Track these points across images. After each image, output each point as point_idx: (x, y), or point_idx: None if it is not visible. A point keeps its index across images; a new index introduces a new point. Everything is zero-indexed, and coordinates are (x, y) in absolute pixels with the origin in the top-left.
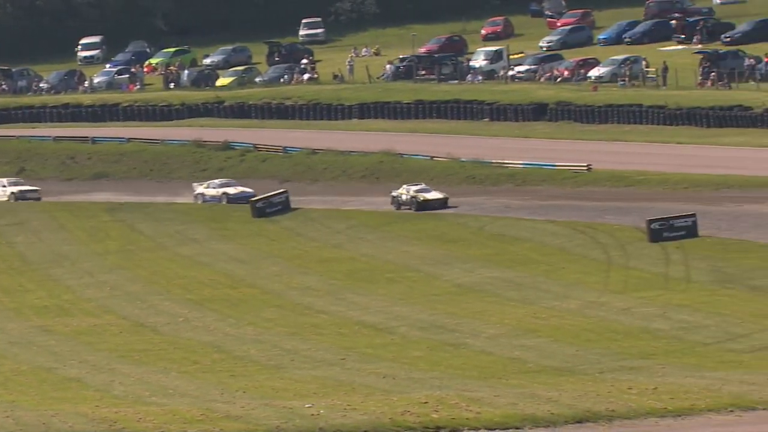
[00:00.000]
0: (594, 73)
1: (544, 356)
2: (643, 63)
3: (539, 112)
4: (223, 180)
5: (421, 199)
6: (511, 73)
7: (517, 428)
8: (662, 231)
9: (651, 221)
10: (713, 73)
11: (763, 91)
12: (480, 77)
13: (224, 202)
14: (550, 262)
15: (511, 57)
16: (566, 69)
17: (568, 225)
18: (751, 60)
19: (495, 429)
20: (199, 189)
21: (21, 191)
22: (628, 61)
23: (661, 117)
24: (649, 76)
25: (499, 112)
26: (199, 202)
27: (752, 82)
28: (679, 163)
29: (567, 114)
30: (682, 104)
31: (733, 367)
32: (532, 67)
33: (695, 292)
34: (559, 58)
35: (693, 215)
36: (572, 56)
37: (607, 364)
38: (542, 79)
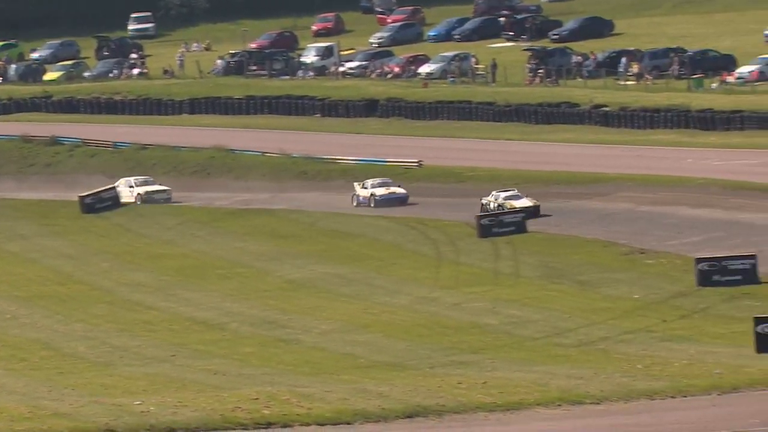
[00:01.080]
0: (424, 69)
1: (376, 351)
2: (473, 60)
3: (370, 108)
4: (381, 179)
5: (508, 207)
6: (342, 69)
7: (348, 423)
8: (492, 227)
9: (481, 217)
10: (541, 70)
11: (590, 88)
12: (311, 73)
13: (372, 206)
14: (382, 257)
15: (342, 53)
16: (396, 65)
17: (399, 221)
18: (578, 57)
19: (326, 424)
20: (358, 190)
21: (148, 192)
22: (457, 58)
23: (490, 113)
24: (478, 72)
25: (330, 108)
26: (354, 204)
27: (579, 79)
28: (509, 159)
29: (398, 110)
30: (511, 101)
31: (560, 362)
32: (363, 63)
33: (524, 287)
34: (390, 54)
35: (521, 211)
36: (402, 53)
37: (437, 359)
38: (373, 75)
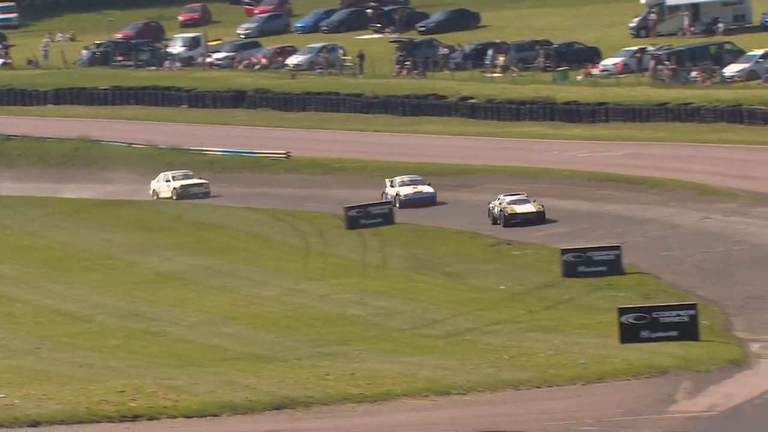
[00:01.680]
0: (292, 60)
1: (244, 343)
2: (340, 51)
3: (238, 99)
4: (410, 177)
5: (509, 212)
6: (209, 60)
7: (215, 416)
8: (359, 218)
9: (348, 208)
10: (408, 62)
11: (457, 80)
12: (178, 64)
13: (397, 206)
14: (250, 249)
15: (209, 44)
16: (264, 57)
17: (267, 212)
18: (445, 49)
19: (193, 417)
20: (387, 188)
21: (184, 186)
22: (325, 49)
23: (358, 105)
24: (346, 64)
25: (197, 99)
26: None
27: (446, 71)
28: (377, 151)
29: (266, 101)
30: (379, 92)
31: (428, 353)
32: (230, 54)
33: (392, 279)
34: (257, 45)
35: (389, 202)
36: (270, 44)
37: (305, 350)
38: (240, 67)
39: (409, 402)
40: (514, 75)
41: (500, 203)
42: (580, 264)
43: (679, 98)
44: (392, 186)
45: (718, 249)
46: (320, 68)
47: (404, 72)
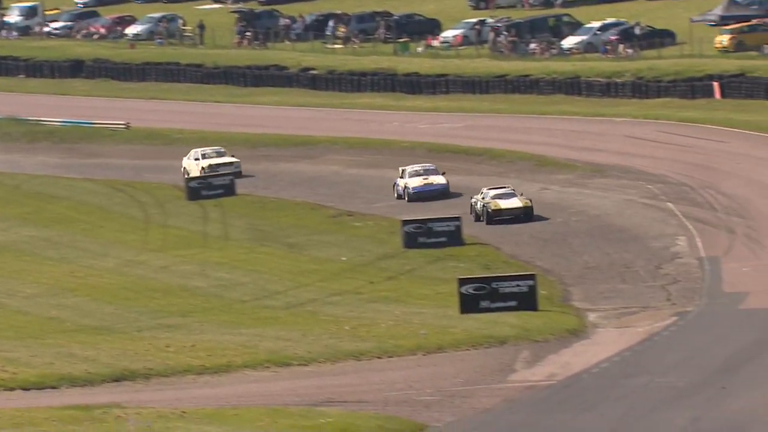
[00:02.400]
0: (131, 30)
1: (82, 315)
2: (180, 21)
3: (76, 69)
4: (421, 166)
5: (492, 208)
6: (46, 29)
7: (53, 388)
8: (200, 189)
9: (189, 179)
10: (249, 33)
11: (298, 51)
12: (15, 33)
13: (406, 200)
14: (89, 220)
15: (47, 13)
16: (103, 26)
17: (106, 183)
18: (286, 20)
19: (31, 389)
20: (398, 179)
21: (212, 166)
22: (164, 20)
23: (198, 76)
24: (186, 34)
25: (35, 69)
26: (395, 196)
27: (287, 42)
28: (217, 122)
29: (105, 71)
30: (219, 63)
31: (269, 324)
32: (68, 23)
33: (233, 250)
34: (96, 15)
35: (230, 174)
36: (108, 13)
37: (145, 322)
38: (79, 36)
39: (250, 373)
40: (355, 46)
41: (483, 197)
42: (421, 235)
43: (518, 70)
44: (402, 176)
45: (557, 220)
46: (160, 38)
47: (245, 42)
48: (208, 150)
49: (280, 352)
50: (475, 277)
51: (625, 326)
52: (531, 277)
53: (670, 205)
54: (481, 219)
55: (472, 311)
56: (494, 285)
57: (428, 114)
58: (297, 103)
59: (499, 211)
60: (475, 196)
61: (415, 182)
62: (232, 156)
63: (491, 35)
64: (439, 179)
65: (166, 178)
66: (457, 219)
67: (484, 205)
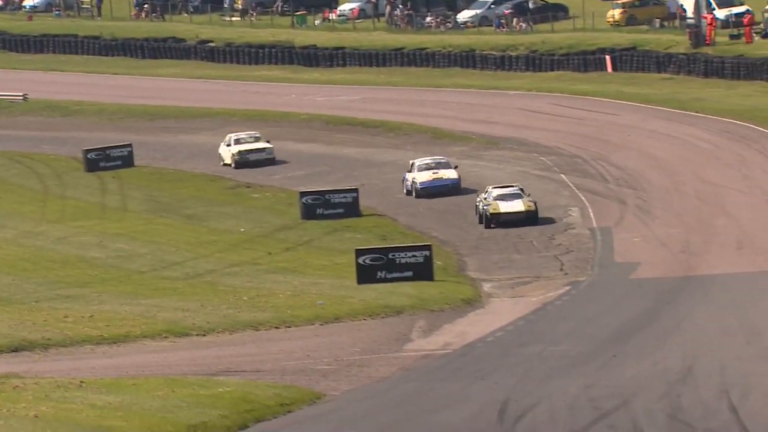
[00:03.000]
0: (29, 2)
1: None
2: None
3: None
4: (431, 158)
5: (491, 211)
6: None
7: None
8: (99, 161)
9: (87, 151)
10: (147, 5)
11: (196, 23)
12: None
13: (414, 196)
14: (18, 190)
15: None
16: None
17: (4, 154)
18: None
19: None
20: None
21: (242, 153)
22: None
23: (96, 47)
24: (84, 6)
25: None
26: (404, 191)
27: (185, 14)
28: (115, 94)
29: (2, 43)
30: (117, 35)
31: (168, 294)
32: None
33: (131, 221)
34: None
35: (129, 145)
36: None
37: (43, 293)
38: None
39: (148, 343)
40: (253, 19)
41: (486, 197)
42: (319, 206)
43: (414, 44)
44: (410, 170)
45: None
46: (58, 10)
47: (143, 15)
48: (242, 135)
49: (178, 322)
50: (372, 248)
51: (519, 296)
52: (427, 247)
53: (563, 176)
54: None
55: (369, 281)
56: (391, 256)
57: (325, 86)
58: (195, 76)
59: (498, 215)
60: (480, 195)
61: (424, 176)
62: (267, 141)
63: (387, 9)
64: (450, 173)
65: (64, 150)
66: (355, 191)
67: (484, 207)
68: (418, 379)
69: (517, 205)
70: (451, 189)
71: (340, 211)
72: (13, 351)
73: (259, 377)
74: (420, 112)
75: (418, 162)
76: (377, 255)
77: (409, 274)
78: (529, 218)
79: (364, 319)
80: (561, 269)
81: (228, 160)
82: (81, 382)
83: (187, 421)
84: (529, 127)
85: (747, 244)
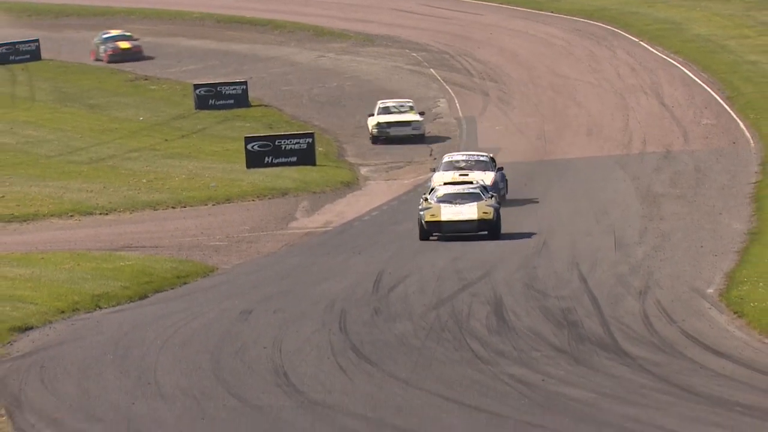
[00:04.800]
0: None
1: None
2: None
3: None
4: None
5: (427, 218)
6: None
7: None
8: (9, 54)
9: (0, 45)
10: None
11: None
12: None
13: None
14: None
15: None
16: None
17: None
18: None
19: None
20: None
21: (381, 125)
22: None
23: None
24: None
25: None
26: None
27: None
28: None
29: None
30: None
31: (73, 177)
32: None
33: (39, 110)
34: None
35: (36, 40)
36: None
37: None
38: None
39: (56, 221)
40: None
41: (429, 198)
42: (211, 97)
43: None
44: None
45: (332, 84)
46: None
47: None
48: (391, 103)
49: (83, 202)
50: (260, 136)
51: (392, 179)
52: (310, 135)
53: (432, 71)
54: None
55: (257, 166)
56: (277, 143)
57: None
58: None
59: (437, 224)
60: (423, 197)
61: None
62: (419, 114)
63: None
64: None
65: None
66: (244, 83)
67: (420, 212)
68: (302, 254)
69: (466, 212)
70: (482, 228)
71: (231, 102)
72: None
73: (157, 252)
74: (303, 11)
75: (438, 179)
76: (264, 142)
77: (294, 159)
78: (481, 229)
79: (253, 200)
80: (430, 155)
81: (373, 131)
82: None
83: (91, 291)
84: (401, 25)
85: (596, 132)
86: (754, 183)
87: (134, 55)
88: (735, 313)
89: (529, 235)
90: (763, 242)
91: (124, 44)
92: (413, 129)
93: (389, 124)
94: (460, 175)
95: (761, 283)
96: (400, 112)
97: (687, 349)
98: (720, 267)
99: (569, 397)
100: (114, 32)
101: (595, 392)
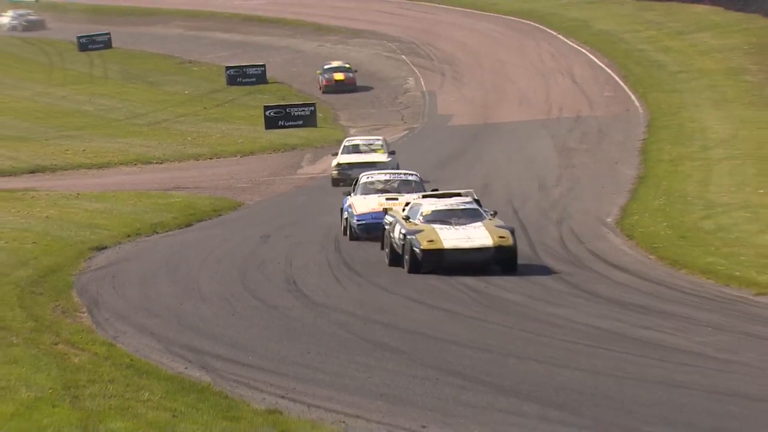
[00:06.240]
0: None
1: (6, 129)
2: None
3: None
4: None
5: (424, 247)
6: None
7: None
8: (88, 44)
9: (80, 37)
10: None
11: None
12: None
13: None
14: (7, 63)
15: None
16: None
17: (24, 39)
18: None
19: None
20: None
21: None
22: None
23: None
24: None
25: None
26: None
27: None
28: None
29: None
30: None
31: (136, 136)
32: None
33: (111, 86)
34: None
35: (108, 33)
36: None
37: (51, 134)
38: None
39: (123, 169)
40: None
41: (411, 215)
42: (239, 77)
43: None
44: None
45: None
46: None
47: None
48: (359, 141)
49: (144, 154)
50: (275, 105)
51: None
52: (312, 105)
53: (403, 56)
54: (402, 262)
55: (273, 128)
56: (288, 110)
57: None
58: None
59: (438, 255)
60: (390, 216)
61: (362, 206)
62: (390, 153)
63: None
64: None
65: (61, 36)
66: (263, 66)
67: (407, 236)
68: (307, 194)
69: (479, 236)
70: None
71: (253, 80)
72: (30, 173)
73: (199, 192)
74: (306, 12)
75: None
76: (278, 109)
77: (300, 122)
78: (500, 258)
79: (270, 153)
80: (402, 119)
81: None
82: (77, 194)
83: (150, 220)
84: (381, 23)
85: (525, 102)
86: (642, 140)
87: (347, 86)
88: (627, 236)
89: (473, 179)
90: (648, 184)
91: (338, 76)
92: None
93: (351, 165)
94: (387, 199)
95: (646, 214)
96: (369, 151)
97: (592, 264)
98: (616, 202)
99: (507, 300)
100: (335, 63)
101: (526, 296)
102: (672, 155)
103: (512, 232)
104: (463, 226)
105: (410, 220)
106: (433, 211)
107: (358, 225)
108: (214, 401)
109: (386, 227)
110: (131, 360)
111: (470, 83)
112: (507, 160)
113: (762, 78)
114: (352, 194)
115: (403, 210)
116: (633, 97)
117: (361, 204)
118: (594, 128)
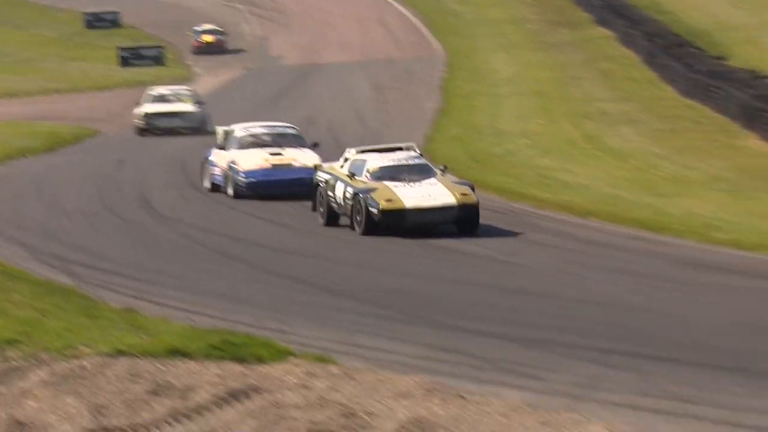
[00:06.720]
0: None
1: None
2: None
3: None
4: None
5: (383, 207)
6: None
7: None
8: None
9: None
10: None
11: None
12: None
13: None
14: None
15: None
16: None
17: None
18: None
19: None
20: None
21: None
22: None
23: None
24: None
25: None
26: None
27: None
28: None
29: None
30: None
31: (5, 72)
32: None
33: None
34: None
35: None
36: None
37: None
38: None
39: None
40: None
41: (354, 171)
42: (96, 21)
43: None
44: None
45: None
46: None
47: None
48: (165, 90)
49: (12, 88)
50: (128, 46)
51: (215, 75)
52: (161, 46)
53: (239, 5)
54: (354, 223)
55: (127, 66)
56: (140, 51)
57: None
58: None
59: (400, 215)
60: (324, 173)
61: (252, 160)
62: (198, 103)
63: None
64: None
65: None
66: (117, 12)
67: (359, 195)
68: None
69: (440, 194)
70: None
71: (109, 24)
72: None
73: (62, 122)
74: None
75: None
76: (131, 50)
77: (151, 62)
78: (463, 217)
79: (123, 88)
80: (239, 61)
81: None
82: None
83: (18, 146)
84: None
85: (347, 46)
86: (442, 78)
87: (217, 48)
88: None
89: (300, 112)
90: (447, 116)
91: (208, 38)
92: (185, 121)
93: (158, 114)
94: (271, 154)
95: (445, 142)
96: (177, 101)
97: None
98: (421, 131)
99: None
100: (206, 26)
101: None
102: (467, 91)
103: (472, 188)
104: (418, 183)
105: (356, 177)
106: (380, 168)
107: (248, 183)
108: (77, 302)
109: (321, 185)
110: (2, 266)
111: (300, 31)
112: (330, 95)
113: (541, 26)
114: (225, 148)
115: (342, 167)
116: (435, 43)
117: (246, 160)
118: (403, 69)
